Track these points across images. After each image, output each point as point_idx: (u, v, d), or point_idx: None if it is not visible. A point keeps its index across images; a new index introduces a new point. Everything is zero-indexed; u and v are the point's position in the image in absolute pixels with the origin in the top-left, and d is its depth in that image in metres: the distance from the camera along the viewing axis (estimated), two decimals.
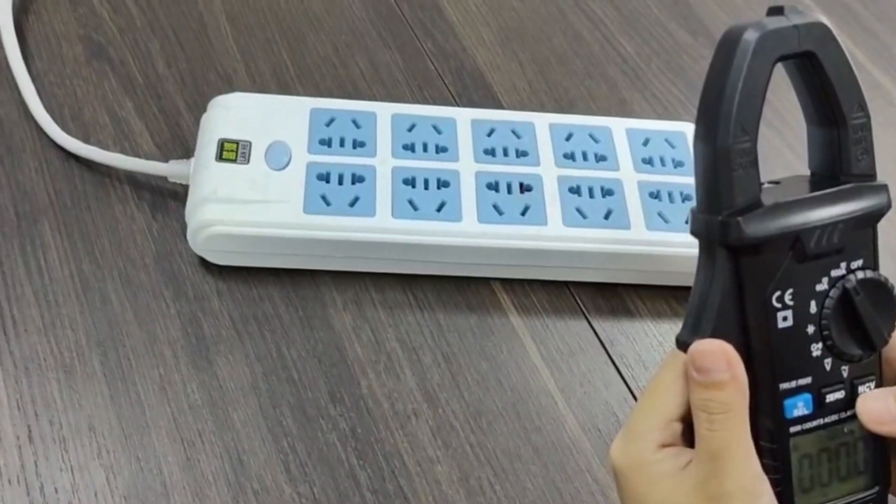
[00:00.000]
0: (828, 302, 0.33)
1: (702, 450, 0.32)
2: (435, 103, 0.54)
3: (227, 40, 0.56)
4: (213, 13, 0.57)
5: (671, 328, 0.47)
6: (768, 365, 0.33)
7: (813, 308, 0.33)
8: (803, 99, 0.34)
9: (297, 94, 0.53)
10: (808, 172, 0.36)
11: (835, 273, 0.33)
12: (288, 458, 0.41)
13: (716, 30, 0.62)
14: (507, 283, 0.48)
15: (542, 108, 0.56)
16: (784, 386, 0.33)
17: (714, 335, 0.32)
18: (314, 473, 0.40)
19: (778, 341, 0.33)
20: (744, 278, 0.32)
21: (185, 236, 0.45)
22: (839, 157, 0.34)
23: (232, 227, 0.44)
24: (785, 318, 0.33)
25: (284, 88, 0.54)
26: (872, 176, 0.34)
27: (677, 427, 0.34)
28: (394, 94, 0.55)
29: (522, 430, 0.43)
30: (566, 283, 0.48)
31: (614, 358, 0.46)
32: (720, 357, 0.31)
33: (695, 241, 0.33)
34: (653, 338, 0.47)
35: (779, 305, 0.33)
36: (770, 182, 0.35)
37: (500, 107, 0.55)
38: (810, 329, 0.33)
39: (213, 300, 0.45)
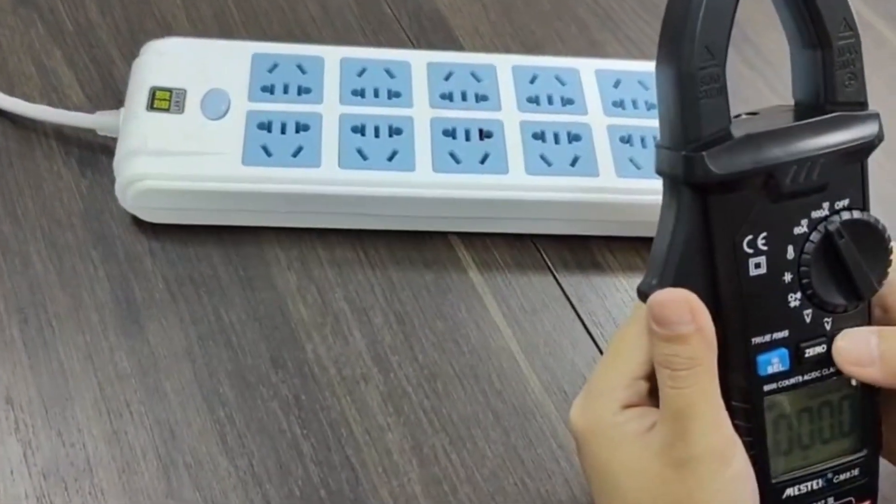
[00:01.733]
0: (808, 246, 0.30)
1: (666, 410, 0.29)
2: (390, 48, 0.50)
3: None
4: None
5: None
6: (739, 317, 0.30)
7: (790, 253, 0.30)
8: (783, 15, 0.30)
9: (242, 40, 0.49)
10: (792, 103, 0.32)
11: (816, 214, 0.30)
12: (224, 429, 0.37)
13: None
14: (465, 237, 0.44)
15: (506, 51, 0.52)
16: (757, 340, 0.30)
17: (677, 284, 0.29)
18: (253, 445, 0.37)
19: (750, 290, 0.29)
20: (711, 221, 0.29)
21: (115, 193, 0.42)
22: (823, 82, 0.30)
23: (163, 182, 0.41)
24: (758, 265, 0.30)
25: (228, 35, 0.50)
26: (862, 104, 0.30)
27: (643, 386, 0.30)
28: (346, 38, 0.51)
29: (481, 393, 0.40)
30: (530, 237, 0.45)
31: (582, 315, 0.43)
32: (683, 307, 0.28)
33: None
34: (624, 293, 0.44)
35: (750, 251, 0.29)
36: (747, 114, 0.32)
37: (461, 51, 0.51)
38: (787, 277, 0.30)
39: (145, 261, 0.41)
